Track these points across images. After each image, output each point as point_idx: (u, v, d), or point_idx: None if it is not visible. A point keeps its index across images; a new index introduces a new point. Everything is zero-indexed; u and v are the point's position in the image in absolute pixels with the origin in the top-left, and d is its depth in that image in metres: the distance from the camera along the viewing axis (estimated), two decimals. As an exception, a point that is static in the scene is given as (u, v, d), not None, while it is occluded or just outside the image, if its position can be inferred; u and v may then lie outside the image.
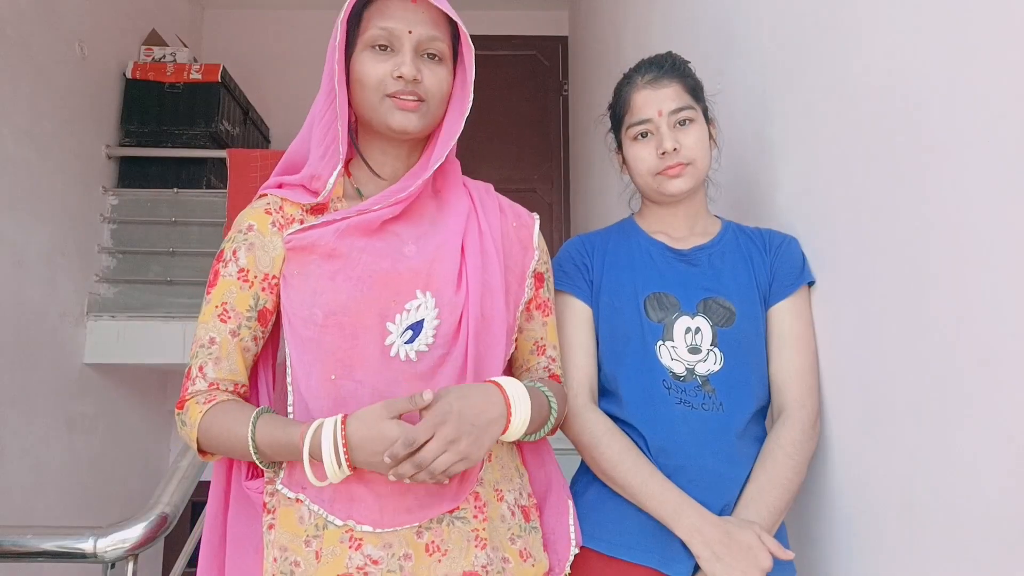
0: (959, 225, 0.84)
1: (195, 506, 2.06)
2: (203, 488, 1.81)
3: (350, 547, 0.94)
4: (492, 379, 0.97)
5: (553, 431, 1.08)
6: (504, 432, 0.94)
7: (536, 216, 1.18)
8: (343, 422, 0.89)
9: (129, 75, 3.77)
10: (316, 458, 0.89)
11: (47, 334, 3.13)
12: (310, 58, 4.65)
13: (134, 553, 1.49)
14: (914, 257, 0.93)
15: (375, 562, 0.93)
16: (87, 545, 1.47)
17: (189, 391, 1.00)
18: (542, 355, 1.14)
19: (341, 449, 0.87)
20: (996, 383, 0.78)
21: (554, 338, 1.16)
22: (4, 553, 1.47)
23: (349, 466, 0.89)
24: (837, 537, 1.12)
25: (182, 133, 3.79)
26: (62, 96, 3.27)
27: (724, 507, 1.08)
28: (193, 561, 1.85)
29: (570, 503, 1.12)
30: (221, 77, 3.84)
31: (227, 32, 4.84)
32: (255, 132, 4.39)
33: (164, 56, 3.88)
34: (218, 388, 1.00)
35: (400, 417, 0.88)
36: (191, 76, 3.82)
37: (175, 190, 3.64)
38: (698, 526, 1.03)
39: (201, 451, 1.00)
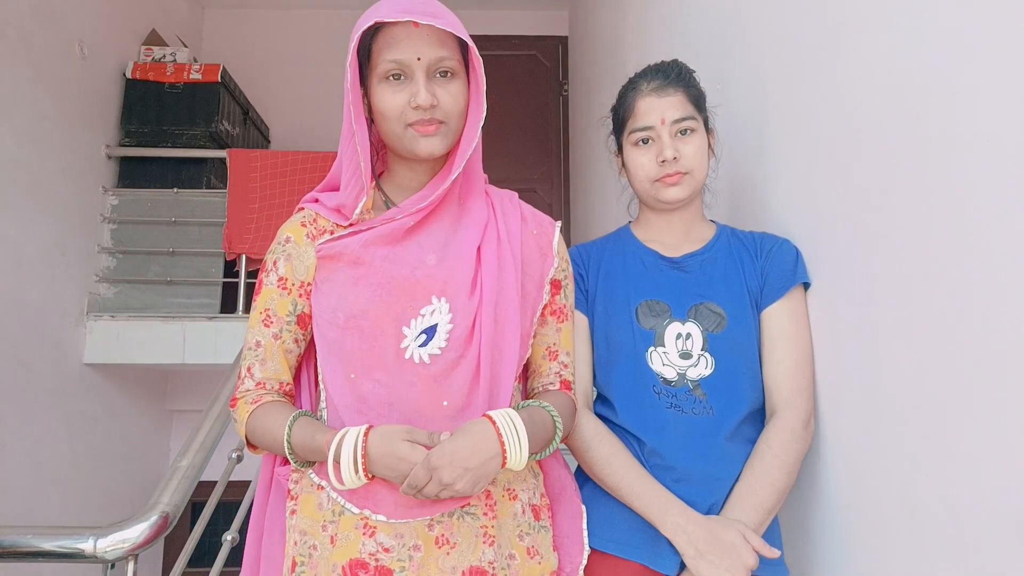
0: (957, 226, 0.84)
1: (195, 506, 2.06)
2: (203, 488, 1.82)
3: (364, 534, 0.99)
4: (488, 413, 0.99)
5: (561, 440, 1.11)
6: (503, 466, 0.97)
7: (557, 223, 1.19)
8: (365, 434, 0.94)
9: (129, 75, 3.77)
10: (339, 463, 0.95)
11: (47, 334, 3.13)
12: (310, 58, 4.69)
13: (134, 553, 1.49)
14: (912, 258, 0.93)
15: (386, 550, 0.98)
16: (87, 545, 1.47)
17: (239, 390, 1.09)
18: (554, 360, 1.16)
19: (360, 459, 0.94)
20: (995, 382, 0.78)
21: (568, 344, 1.18)
22: (4, 553, 1.47)
23: (366, 474, 0.95)
24: (833, 536, 1.12)
25: (182, 133, 3.79)
26: (62, 96, 3.27)
27: (712, 506, 1.09)
28: (193, 561, 1.85)
29: (583, 508, 1.14)
30: (221, 77, 3.84)
31: (227, 32, 4.84)
32: (255, 132, 4.40)
33: (164, 56, 3.88)
34: (264, 387, 1.08)
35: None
36: (191, 76, 3.82)
37: (175, 190, 3.65)
38: (682, 524, 1.05)
39: (250, 445, 1.08)
